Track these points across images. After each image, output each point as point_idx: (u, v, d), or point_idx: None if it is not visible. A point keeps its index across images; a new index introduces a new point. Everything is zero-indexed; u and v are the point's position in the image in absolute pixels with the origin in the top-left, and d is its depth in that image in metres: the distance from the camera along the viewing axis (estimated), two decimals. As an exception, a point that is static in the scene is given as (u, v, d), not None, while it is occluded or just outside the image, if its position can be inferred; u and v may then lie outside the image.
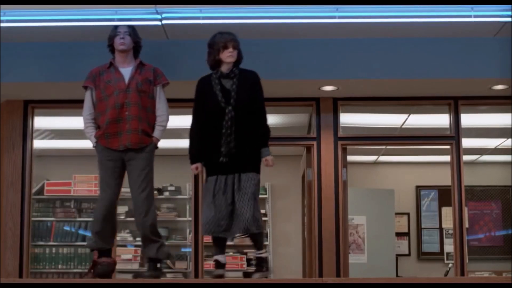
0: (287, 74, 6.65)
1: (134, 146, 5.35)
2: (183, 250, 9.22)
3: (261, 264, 5.19)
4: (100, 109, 5.43)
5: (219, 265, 5.19)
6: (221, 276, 5.14)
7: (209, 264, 9.05)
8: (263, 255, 5.21)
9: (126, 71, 5.47)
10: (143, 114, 5.39)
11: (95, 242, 5.42)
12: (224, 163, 5.07)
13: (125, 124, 5.33)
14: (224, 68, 5.23)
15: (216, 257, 5.22)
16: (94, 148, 5.47)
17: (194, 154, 5.29)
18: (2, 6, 5.87)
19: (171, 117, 8.43)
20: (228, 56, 5.18)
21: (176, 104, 7.47)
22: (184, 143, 7.92)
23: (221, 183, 5.10)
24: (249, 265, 9.54)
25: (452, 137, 7.28)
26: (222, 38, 5.20)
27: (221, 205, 5.07)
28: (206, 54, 5.33)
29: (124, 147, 5.33)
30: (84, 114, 5.52)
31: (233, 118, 5.08)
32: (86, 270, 5.46)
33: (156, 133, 5.49)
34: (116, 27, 5.60)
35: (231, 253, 9.45)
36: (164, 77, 5.59)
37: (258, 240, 5.20)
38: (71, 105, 7.39)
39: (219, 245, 5.22)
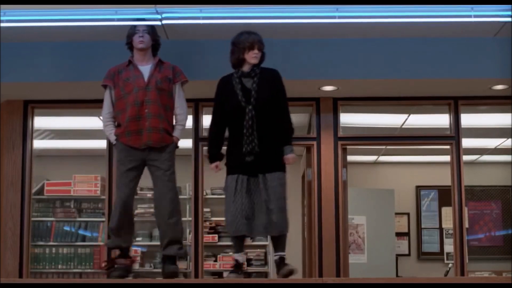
0: (287, 74, 6.61)
1: (156, 144, 5.33)
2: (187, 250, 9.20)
3: (284, 262, 5.13)
4: (119, 107, 5.42)
5: (238, 264, 5.19)
6: (238, 275, 5.13)
7: (209, 264, 9.08)
8: (284, 256, 5.17)
9: (145, 69, 5.46)
10: (163, 112, 5.38)
11: (113, 240, 5.42)
12: (248, 162, 5.05)
13: (145, 121, 5.31)
14: (246, 68, 5.22)
15: (235, 255, 5.22)
16: (114, 146, 5.48)
17: (214, 153, 5.30)
18: (2, 6, 5.87)
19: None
20: (253, 57, 5.18)
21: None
22: (184, 143, 7.95)
23: (244, 183, 5.08)
24: (249, 265, 9.55)
25: (452, 137, 7.28)
26: (249, 38, 5.18)
27: (244, 204, 5.04)
28: (230, 52, 5.30)
29: (145, 145, 5.32)
30: (103, 112, 5.52)
31: (254, 117, 5.07)
32: (104, 267, 5.44)
33: (176, 133, 5.49)
34: (135, 25, 5.58)
35: (231, 253, 9.44)
36: (183, 75, 5.58)
37: (282, 241, 5.17)
38: (71, 105, 7.41)
39: (239, 244, 5.21)
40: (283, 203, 5.06)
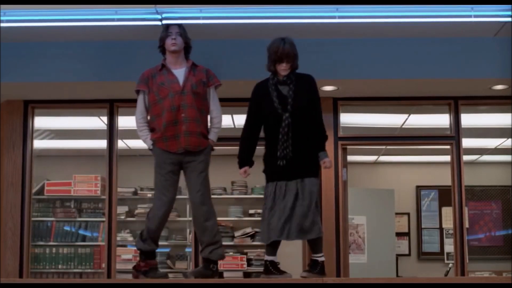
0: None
1: (193, 148, 5.32)
2: (187, 250, 9.19)
3: (316, 265, 5.17)
4: (155, 112, 5.39)
5: (271, 264, 5.18)
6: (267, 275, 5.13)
7: (209, 264, 9.05)
8: (320, 259, 5.18)
9: (179, 73, 5.41)
10: (199, 116, 5.35)
11: (149, 244, 5.42)
12: (283, 168, 5.05)
13: (181, 126, 5.28)
14: (281, 75, 5.19)
15: (267, 257, 5.20)
16: (150, 151, 5.44)
17: (244, 157, 5.28)
18: (2, 6, 5.87)
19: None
20: (282, 69, 5.15)
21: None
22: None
23: (282, 189, 5.08)
24: (249, 265, 9.54)
25: (452, 137, 7.29)
26: (278, 51, 5.13)
27: (281, 210, 5.04)
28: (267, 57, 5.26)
29: (183, 149, 5.30)
30: (137, 117, 5.50)
31: (290, 124, 5.07)
32: (139, 268, 5.44)
33: (212, 136, 5.46)
34: (167, 27, 5.53)
35: (231, 253, 9.44)
36: (217, 78, 5.55)
37: (318, 244, 5.18)
38: (71, 105, 7.41)
39: (272, 249, 5.20)
40: (316, 207, 5.08)
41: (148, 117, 5.47)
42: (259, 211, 9.88)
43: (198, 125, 5.32)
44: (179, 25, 5.54)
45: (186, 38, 5.52)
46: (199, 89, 5.39)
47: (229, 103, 7.25)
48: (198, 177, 5.34)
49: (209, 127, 5.48)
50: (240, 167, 5.28)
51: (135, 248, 9.04)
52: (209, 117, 5.50)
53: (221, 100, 7.28)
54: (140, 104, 5.50)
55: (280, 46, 5.14)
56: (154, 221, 5.40)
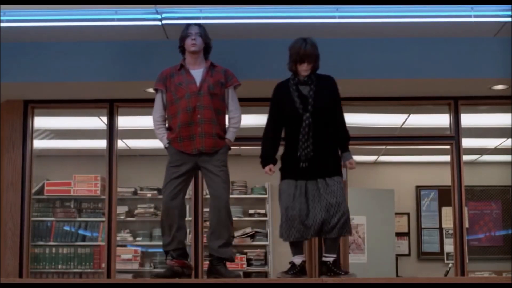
0: (287, 74, 6.64)
1: (208, 150, 5.31)
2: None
3: (329, 268, 5.14)
4: (171, 111, 5.38)
5: (294, 266, 5.17)
6: (288, 275, 5.11)
7: (209, 264, 9.06)
8: (331, 259, 5.15)
9: (197, 73, 5.40)
10: (215, 117, 5.34)
11: (171, 243, 5.39)
12: (302, 168, 5.06)
13: (197, 127, 5.28)
14: (302, 75, 5.21)
15: (293, 258, 5.19)
16: (166, 149, 5.45)
17: (267, 156, 5.29)
18: (2, 6, 5.87)
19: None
20: (303, 70, 5.18)
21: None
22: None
23: (302, 188, 5.08)
24: (249, 265, 9.55)
25: (452, 137, 7.28)
26: (299, 52, 5.15)
27: (303, 209, 5.04)
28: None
29: (198, 151, 5.30)
30: (154, 116, 5.49)
31: (310, 124, 5.08)
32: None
33: (229, 135, 5.45)
34: (187, 27, 5.51)
35: (231, 253, 9.44)
36: (235, 78, 5.53)
37: (335, 243, 5.17)
38: (71, 105, 7.41)
39: (296, 248, 5.19)
40: (344, 205, 5.07)
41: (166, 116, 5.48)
42: (259, 211, 9.91)
43: (213, 126, 5.31)
44: (199, 25, 5.53)
45: (206, 39, 5.51)
46: (216, 90, 5.38)
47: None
48: (215, 178, 5.35)
49: (227, 126, 5.47)
50: (264, 165, 5.30)
51: (134, 248, 9.13)
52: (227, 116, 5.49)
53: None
54: (158, 103, 5.49)
55: (302, 46, 5.16)
56: (170, 221, 5.38)
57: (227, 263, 5.43)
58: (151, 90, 6.96)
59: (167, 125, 5.49)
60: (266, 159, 5.29)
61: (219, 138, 5.36)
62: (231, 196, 9.74)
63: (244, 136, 7.83)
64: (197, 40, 5.42)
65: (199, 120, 5.28)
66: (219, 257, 5.35)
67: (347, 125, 7.48)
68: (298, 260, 5.17)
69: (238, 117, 5.50)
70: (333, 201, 5.02)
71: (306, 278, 5.22)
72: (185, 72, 5.41)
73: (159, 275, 5.46)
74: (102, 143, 7.40)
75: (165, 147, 5.45)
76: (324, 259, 5.18)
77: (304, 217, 5.03)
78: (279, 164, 5.29)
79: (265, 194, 9.85)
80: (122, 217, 9.14)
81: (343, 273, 5.11)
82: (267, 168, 5.29)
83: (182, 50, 5.51)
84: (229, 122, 5.50)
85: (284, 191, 5.15)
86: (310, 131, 5.08)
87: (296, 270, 5.14)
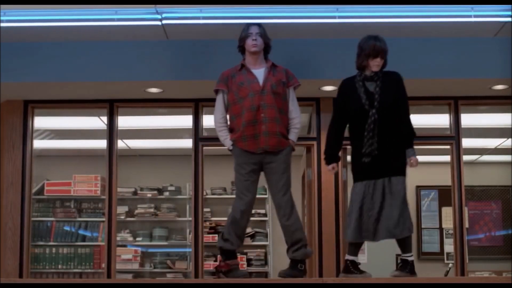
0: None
1: (273, 149, 5.32)
2: (187, 250, 9.20)
3: (406, 265, 5.19)
4: (234, 111, 5.38)
5: (351, 264, 5.19)
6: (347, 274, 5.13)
7: (209, 264, 9.07)
8: (409, 258, 5.20)
9: (259, 73, 5.41)
10: (279, 116, 5.34)
11: (231, 244, 5.38)
12: (368, 166, 5.08)
13: (261, 126, 5.28)
14: (368, 71, 5.24)
15: (348, 257, 5.22)
16: (230, 151, 5.44)
17: (331, 154, 5.31)
18: (2, 6, 5.87)
19: (170, 117, 8.49)
20: (375, 65, 5.21)
21: (176, 104, 7.50)
22: (184, 143, 7.96)
23: (370, 188, 5.10)
24: (249, 265, 9.54)
25: (452, 137, 7.28)
26: (374, 47, 5.19)
27: (369, 210, 5.07)
28: (356, 54, 5.32)
29: (262, 150, 5.30)
30: (216, 117, 5.49)
31: (376, 121, 5.10)
32: (220, 268, 5.41)
33: (292, 136, 5.46)
34: (247, 27, 5.52)
35: (231, 253, 9.43)
36: (296, 78, 5.56)
37: (407, 243, 5.20)
38: (71, 105, 7.41)
39: (356, 247, 5.22)
40: (405, 206, 5.08)
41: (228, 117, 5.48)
42: (259, 211, 9.90)
43: (277, 125, 5.32)
44: (259, 25, 5.54)
45: (266, 38, 5.52)
46: (279, 89, 5.39)
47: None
48: (280, 178, 5.34)
49: (288, 127, 5.47)
50: (328, 163, 5.31)
51: (134, 248, 9.13)
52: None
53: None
54: (220, 104, 5.48)
55: (376, 42, 5.21)
56: (234, 220, 5.39)
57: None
58: (151, 90, 6.98)
59: (229, 126, 5.47)
60: (330, 157, 5.31)
61: (283, 137, 5.36)
62: (231, 196, 9.80)
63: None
64: (258, 40, 5.44)
65: (263, 118, 5.28)
66: (293, 259, 5.36)
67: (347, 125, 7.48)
68: (356, 259, 5.20)
69: (298, 118, 5.52)
70: (395, 202, 5.02)
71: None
72: (246, 71, 5.42)
73: (235, 275, 5.35)
74: (102, 143, 7.40)
75: (229, 150, 5.44)
76: (403, 258, 5.20)
77: (373, 220, 5.05)
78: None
79: (265, 194, 9.83)
80: (122, 217, 9.14)
81: (415, 274, 5.17)
82: (330, 166, 5.33)
83: (242, 50, 5.52)
84: (290, 123, 5.48)
85: (354, 192, 5.17)
86: (376, 128, 5.09)
87: (356, 268, 5.17)
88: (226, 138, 5.44)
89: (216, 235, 9.52)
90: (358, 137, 5.17)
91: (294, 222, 5.35)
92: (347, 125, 5.31)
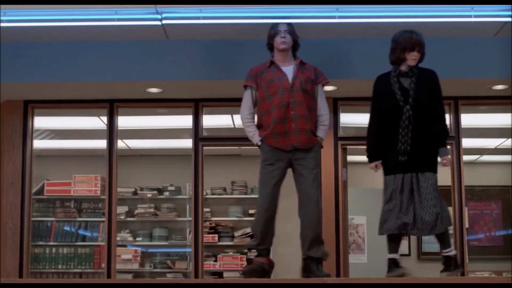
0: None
1: (303, 146, 5.32)
2: (187, 250, 9.20)
3: (449, 262, 5.17)
4: (263, 108, 5.39)
5: (395, 263, 5.19)
6: (403, 275, 5.10)
7: (209, 264, 9.07)
8: (451, 253, 5.19)
9: (288, 70, 5.42)
10: (308, 113, 5.35)
11: (258, 242, 5.36)
12: (402, 161, 5.07)
13: (291, 123, 5.28)
14: (404, 67, 5.23)
15: (389, 255, 5.22)
16: (258, 147, 5.42)
17: (373, 153, 5.31)
18: (2, 6, 5.87)
19: (170, 117, 8.49)
20: (412, 59, 5.19)
21: (176, 104, 7.50)
22: (184, 143, 7.96)
23: (399, 182, 5.11)
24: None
25: (452, 137, 7.28)
26: (411, 40, 5.18)
27: (399, 203, 5.06)
28: (390, 49, 5.29)
29: (292, 147, 5.30)
30: (243, 113, 5.48)
31: (411, 117, 5.09)
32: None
33: (320, 133, 5.47)
34: (276, 25, 5.52)
35: (231, 253, 9.44)
36: (324, 76, 5.57)
37: (445, 238, 5.19)
38: (71, 105, 7.41)
39: (395, 243, 5.24)
40: (439, 201, 5.07)
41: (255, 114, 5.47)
42: (259, 211, 9.90)
43: (307, 122, 5.33)
44: (288, 23, 5.54)
45: (295, 36, 5.53)
46: (308, 86, 5.40)
47: (229, 103, 7.27)
48: (310, 175, 5.33)
49: (316, 124, 5.47)
50: (370, 161, 5.31)
51: (134, 248, 9.12)
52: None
53: (223, 100, 7.31)
54: (247, 100, 5.48)
55: (412, 35, 5.19)
56: (260, 218, 5.36)
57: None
58: (151, 90, 6.98)
59: (256, 123, 5.47)
60: (372, 155, 5.30)
61: (312, 134, 5.38)
62: (231, 196, 9.83)
63: (244, 136, 7.84)
64: (287, 38, 5.45)
65: (293, 116, 5.28)
66: (310, 256, 5.34)
67: (348, 125, 7.52)
68: (398, 256, 5.24)
69: (327, 115, 5.53)
70: (429, 197, 5.01)
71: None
72: (275, 68, 5.43)
73: (246, 272, 5.34)
74: (102, 143, 7.40)
75: (257, 145, 5.43)
76: (445, 254, 5.18)
77: (403, 212, 5.04)
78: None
79: (265, 194, 9.83)
80: (122, 217, 9.13)
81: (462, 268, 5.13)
82: (373, 164, 5.32)
83: (270, 47, 5.53)
84: (319, 120, 5.49)
85: (385, 186, 5.20)
86: (410, 124, 5.08)
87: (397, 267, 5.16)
88: (254, 134, 5.43)
89: (216, 235, 9.54)
90: (392, 133, 5.13)
91: (318, 217, 5.36)
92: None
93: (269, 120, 5.33)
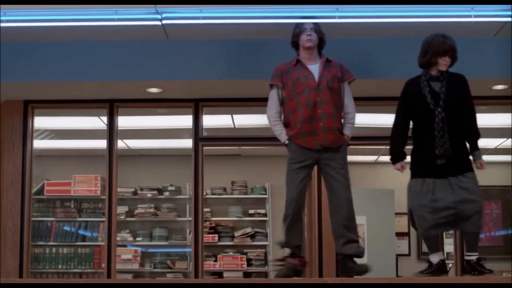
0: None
1: (331, 145, 5.30)
2: (187, 250, 9.21)
3: (472, 268, 5.14)
4: (290, 107, 5.36)
5: (431, 265, 5.20)
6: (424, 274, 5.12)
7: (209, 264, 9.09)
8: (473, 258, 5.14)
9: (314, 68, 5.39)
10: (335, 112, 5.34)
11: (288, 240, 5.35)
12: (439, 165, 5.04)
13: (318, 122, 5.26)
14: (434, 71, 5.20)
15: (430, 257, 5.25)
16: (285, 146, 5.41)
17: (397, 153, 5.29)
18: (2, 6, 5.86)
19: (170, 117, 8.49)
20: (444, 64, 5.17)
21: (176, 104, 7.50)
22: (184, 143, 7.96)
23: (430, 185, 5.05)
24: (249, 265, 9.55)
25: (452, 137, 7.27)
26: (444, 45, 5.15)
27: (439, 206, 5.00)
28: (420, 51, 5.27)
29: (321, 146, 5.28)
30: (270, 112, 5.46)
31: (444, 119, 5.06)
32: (276, 265, 5.39)
33: (347, 131, 5.46)
34: (301, 23, 5.51)
35: (231, 253, 9.45)
36: (350, 73, 5.55)
37: (473, 240, 5.14)
38: (71, 105, 7.41)
39: (434, 243, 5.24)
40: (480, 201, 5.04)
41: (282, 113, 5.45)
42: (259, 211, 9.91)
43: (335, 121, 5.32)
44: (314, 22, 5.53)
45: (321, 34, 5.51)
46: (334, 84, 5.38)
47: (229, 103, 7.28)
48: (338, 174, 5.33)
49: (342, 122, 5.46)
50: (395, 162, 5.29)
51: (134, 248, 9.12)
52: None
53: (223, 100, 7.30)
54: (274, 99, 5.45)
55: (445, 40, 5.17)
56: (288, 216, 5.34)
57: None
58: (151, 90, 6.98)
59: (283, 122, 5.45)
60: (397, 156, 5.28)
61: (340, 133, 5.37)
62: (231, 196, 9.83)
63: (244, 136, 7.85)
64: (312, 36, 5.43)
65: (321, 115, 5.26)
66: (345, 254, 5.33)
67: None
68: (435, 258, 5.20)
69: (353, 112, 5.51)
70: (468, 196, 4.98)
71: (445, 277, 5.19)
72: (301, 67, 5.40)
73: (279, 275, 5.30)
74: (102, 143, 7.40)
75: (285, 144, 5.41)
76: (466, 257, 5.16)
77: (442, 213, 5.00)
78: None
79: (265, 194, 9.84)
80: (122, 217, 9.14)
81: (487, 271, 5.07)
82: (398, 165, 5.29)
83: (296, 45, 5.51)
84: (345, 117, 5.47)
85: (412, 189, 5.16)
86: (445, 127, 5.05)
87: (433, 269, 5.16)
88: (281, 133, 5.41)
89: (216, 235, 9.55)
90: (425, 137, 5.10)
91: (354, 218, 5.39)
92: (411, 125, 5.26)
93: (296, 119, 5.31)
